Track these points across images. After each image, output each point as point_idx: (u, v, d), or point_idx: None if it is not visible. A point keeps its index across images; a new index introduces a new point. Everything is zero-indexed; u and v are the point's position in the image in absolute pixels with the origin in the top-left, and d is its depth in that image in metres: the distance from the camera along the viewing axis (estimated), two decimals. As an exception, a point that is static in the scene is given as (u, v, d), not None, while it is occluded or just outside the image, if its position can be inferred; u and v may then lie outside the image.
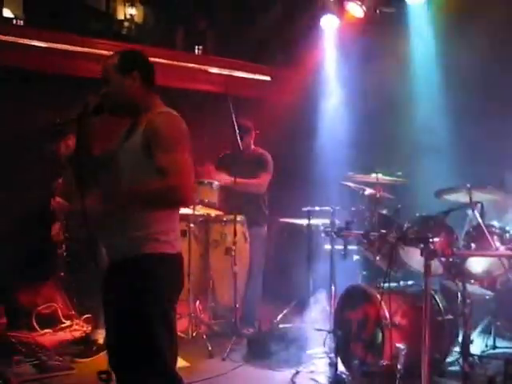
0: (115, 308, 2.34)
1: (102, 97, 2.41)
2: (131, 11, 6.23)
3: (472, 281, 3.76)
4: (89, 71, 5.65)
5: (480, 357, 3.91)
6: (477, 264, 3.69)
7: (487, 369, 3.77)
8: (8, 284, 4.79)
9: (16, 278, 4.83)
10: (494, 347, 4.13)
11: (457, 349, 3.78)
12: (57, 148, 4.24)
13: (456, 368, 3.77)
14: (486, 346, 4.12)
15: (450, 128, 4.81)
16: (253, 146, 4.96)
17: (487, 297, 4.05)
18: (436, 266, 3.60)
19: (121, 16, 6.25)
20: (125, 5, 6.22)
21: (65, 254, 4.26)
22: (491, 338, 4.17)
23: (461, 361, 3.68)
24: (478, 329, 4.29)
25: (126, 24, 6.21)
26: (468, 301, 3.70)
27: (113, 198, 2.25)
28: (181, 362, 4.04)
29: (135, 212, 2.28)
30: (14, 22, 5.50)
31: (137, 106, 2.43)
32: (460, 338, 3.71)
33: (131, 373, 2.27)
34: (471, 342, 3.78)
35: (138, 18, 6.33)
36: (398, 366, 3.37)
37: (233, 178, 4.43)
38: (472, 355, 3.74)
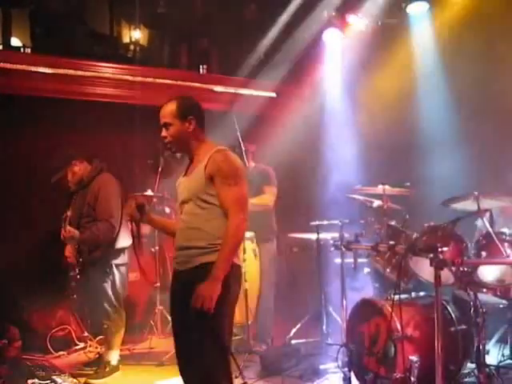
0: (189, 310, 2.61)
1: (163, 138, 2.82)
2: (135, 34, 6.33)
3: (484, 290, 3.70)
4: (96, 95, 5.77)
5: (497, 367, 3.84)
6: (488, 272, 3.63)
7: (504, 379, 3.69)
8: (22, 307, 4.84)
9: (30, 301, 4.87)
10: (511, 357, 4.06)
11: (472, 359, 3.73)
12: (64, 175, 4.31)
13: (472, 379, 3.71)
14: (503, 356, 4.04)
15: (455, 137, 4.80)
16: (253, 164, 4.97)
17: (501, 306, 3.98)
18: (447, 275, 3.57)
19: (126, 39, 6.35)
20: (129, 28, 6.33)
21: (78, 276, 4.30)
22: (508, 348, 4.10)
23: (476, 372, 3.62)
24: (494, 339, 4.21)
25: (131, 47, 6.30)
26: (482, 310, 3.66)
27: (215, 283, 2.58)
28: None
29: (206, 226, 2.69)
30: (22, 50, 5.61)
31: (193, 145, 2.82)
32: (475, 349, 3.65)
33: (205, 358, 2.64)
34: (487, 352, 3.73)
35: (143, 41, 6.42)
36: (412, 379, 3.33)
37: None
38: (488, 366, 3.67)
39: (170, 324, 2.97)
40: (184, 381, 2.78)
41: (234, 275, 2.70)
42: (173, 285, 2.86)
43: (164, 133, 2.81)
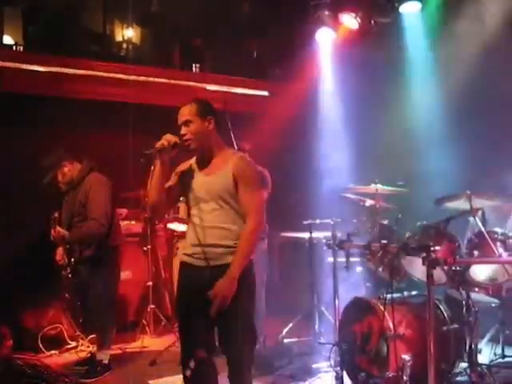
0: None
1: (183, 136, 2.89)
2: (128, 33, 6.31)
3: (476, 289, 3.72)
4: (89, 94, 5.74)
5: (489, 366, 3.85)
6: (480, 272, 3.65)
7: (496, 378, 3.71)
8: (14, 306, 4.82)
9: (21, 300, 4.85)
10: (503, 356, 4.06)
11: (464, 358, 3.74)
12: (54, 176, 4.29)
13: (464, 378, 3.71)
14: (495, 354, 4.05)
15: (448, 136, 4.81)
16: None
17: (493, 305, 4.00)
18: (439, 274, 3.58)
19: (119, 38, 6.33)
20: (122, 27, 6.31)
21: (70, 275, 4.29)
22: (500, 347, 4.11)
23: (468, 371, 3.63)
24: (486, 337, 4.22)
25: (124, 45, 6.29)
26: (474, 309, 3.67)
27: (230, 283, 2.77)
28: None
29: (231, 226, 2.87)
30: (15, 48, 5.58)
31: (212, 144, 2.95)
32: (467, 348, 3.66)
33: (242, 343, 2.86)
34: (479, 351, 3.74)
35: (136, 39, 6.41)
36: (404, 378, 3.34)
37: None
38: (480, 365, 3.69)
39: (181, 313, 3.00)
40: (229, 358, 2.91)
41: (252, 269, 2.95)
42: (190, 278, 2.94)
43: (184, 130, 2.90)
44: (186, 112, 2.91)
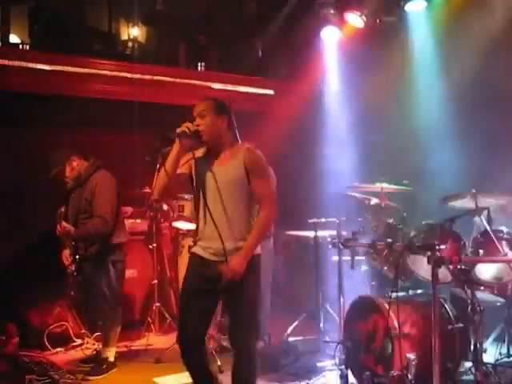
0: (233, 292, 2.99)
1: (197, 126, 2.98)
2: (134, 31, 6.32)
3: (482, 288, 3.71)
4: (94, 92, 5.76)
5: (494, 365, 3.84)
6: (486, 270, 3.64)
7: (501, 377, 3.70)
8: (20, 304, 4.84)
9: (27, 298, 4.87)
10: (509, 355, 4.05)
11: (469, 357, 3.73)
12: (62, 170, 4.31)
13: (469, 377, 3.71)
14: (500, 354, 4.04)
15: (454, 135, 4.79)
16: None
17: (499, 304, 3.99)
18: (444, 273, 3.57)
19: (124, 36, 6.34)
20: (128, 25, 6.32)
21: (75, 273, 4.31)
22: (505, 346, 4.10)
23: (473, 370, 3.62)
24: (492, 337, 4.21)
25: (130, 44, 6.30)
26: (479, 308, 3.66)
27: (240, 264, 2.92)
28: (190, 378, 4.04)
29: (241, 224, 2.98)
30: (21, 47, 5.60)
31: (224, 141, 3.07)
32: (472, 347, 3.65)
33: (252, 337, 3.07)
34: (484, 350, 3.72)
35: (141, 38, 6.42)
36: (409, 376, 3.34)
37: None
38: (485, 364, 3.68)
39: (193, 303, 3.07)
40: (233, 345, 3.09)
41: (260, 262, 3.09)
42: (196, 266, 3.07)
43: (198, 121, 3.00)
44: (203, 105, 3.04)
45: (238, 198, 2.99)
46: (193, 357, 3.09)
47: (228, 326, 3.13)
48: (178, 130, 2.96)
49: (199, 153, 3.11)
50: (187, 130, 2.94)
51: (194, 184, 3.12)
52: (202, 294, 3.03)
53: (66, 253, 4.34)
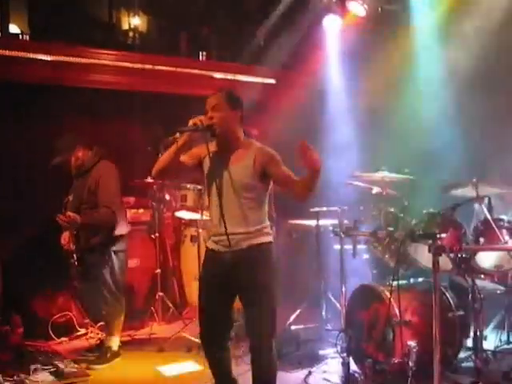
0: (246, 282, 3.00)
1: (210, 118, 2.94)
2: (135, 21, 6.29)
3: (482, 276, 3.73)
4: (95, 82, 5.74)
5: (494, 352, 3.88)
6: (486, 259, 3.66)
7: (501, 364, 3.74)
8: (24, 295, 4.88)
9: (32, 288, 4.90)
10: (508, 342, 4.09)
11: (470, 345, 3.76)
12: (68, 159, 4.32)
13: (469, 364, 3.75)
14: (500, 341, 4.08)
15: (455, 124, 4.79)
16: None
17: (499, 291, 4.02)
18: (445, 261, 3.59)
19: (125, 26, 6.31)
20: (128, 15, 6.29)
21: (76, 263, 4.33)
22: (505, 334, 4.13)
23: (473, 357, 3.66)
24: (492, 324, 4.24)
25: (130, 34, 6.26)
26: (479, 296, 3.69)
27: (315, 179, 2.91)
28: (194, 366, 4.09)
29: (254, 213, 2.99)
30: (20, 37, 5.57)
31: (236, 134, 3.04)
32: (472, 334, 3.68)
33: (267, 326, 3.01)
34: (484, 337, 3.76)
35: (142, 27, 6.38)
36: (410, 364, 3.37)
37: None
38: (485, 351, 3.72)
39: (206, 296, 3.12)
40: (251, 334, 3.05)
41: (273, 251, 3.09)
42: (212, 262, 3.08)
43: (212, 113, 2.95)
44: (216, 98, 2.99)
45: (251, 197, 2.99)
46: (215, 354, 3.15)
47: (245, 317, 3.09)
48: (191, 123, 2.92)
49: (212, 146, 3.05)
50: (199, 123, 2.90)
51: (206, 180, 3.10)
52: (218, 288, 3.04)
53: (66, 234, 4.34)
